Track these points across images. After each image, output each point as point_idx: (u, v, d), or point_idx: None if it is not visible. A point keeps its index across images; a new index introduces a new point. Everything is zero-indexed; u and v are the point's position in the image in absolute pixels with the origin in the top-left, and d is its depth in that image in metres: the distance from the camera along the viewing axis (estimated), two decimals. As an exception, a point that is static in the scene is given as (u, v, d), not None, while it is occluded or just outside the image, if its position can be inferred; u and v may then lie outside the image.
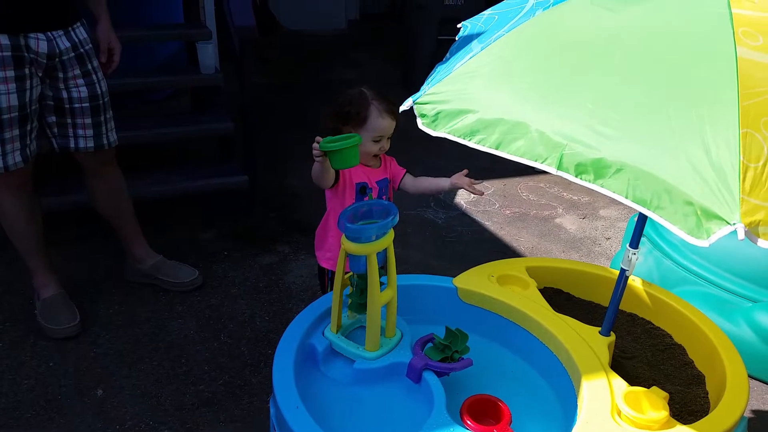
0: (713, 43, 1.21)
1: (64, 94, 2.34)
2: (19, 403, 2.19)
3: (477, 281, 1.77)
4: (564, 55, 1.36)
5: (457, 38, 1.69)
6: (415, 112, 1.44)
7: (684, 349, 1.73)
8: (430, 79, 1.51)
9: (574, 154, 1.19)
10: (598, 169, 1.17)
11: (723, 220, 1.06)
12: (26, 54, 2.20)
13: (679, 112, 1.16)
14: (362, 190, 2.00)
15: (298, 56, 6.78)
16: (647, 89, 1.22)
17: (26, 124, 2.28)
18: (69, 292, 2.63)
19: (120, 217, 2.73)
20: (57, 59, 2.28)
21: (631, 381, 1.49)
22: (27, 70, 2.22)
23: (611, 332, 1.60)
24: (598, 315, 1.80)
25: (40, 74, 2.28)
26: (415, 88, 1.51)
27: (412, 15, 5.66)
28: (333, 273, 1.82)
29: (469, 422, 1.36)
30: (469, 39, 1.57)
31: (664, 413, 1.32)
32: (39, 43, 2.21)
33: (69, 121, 2.39)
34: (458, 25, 1.76)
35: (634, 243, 1.52)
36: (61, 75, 2.31)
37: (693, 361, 1.69)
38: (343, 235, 1.46)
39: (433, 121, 1.40)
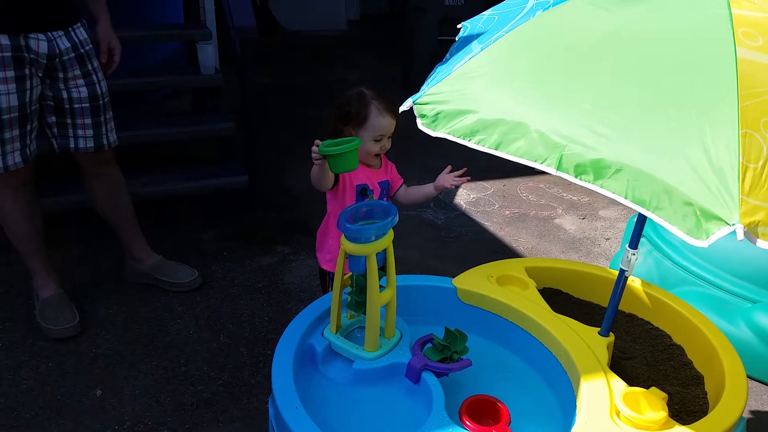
0: (713, 43, 1.21)
1: (64, 95, 2.35)
2: (18, 404, 2.19)
3: (476, 282, 1.77)
4: (564, 56, 1.36)
5: (457, 39, 1.69)
6: (415, 112, 1.44)
7: (683, 349, 1.73)
8: (429, 80, 1.51)
9: (574, 155, 1.19)
10: (598, 169, 1.17)
11: (722, 220, 1.06)
12: (26, 54, 2.20)
13: (679, 113, 1.16)
14: (363, 192, 2.00)
15: (298, 57, 6.78)
16: (647, 90, 1.22)
17: (26, 125, 2.28)
18: (68, 292, 2.63)
19: (120, 218, 2.73)
20: (57, 59, 2.28)
21: (630, 381, 1.49)
22: (27, 71, 2.22)
23: (610, 333, 1.60)
24: (598, 315, 1.80)
25: (40, 74, 2.28)
26: (415, 88, 1.51)
27: (412, 15, 5.67)
28: (334, 275, 1.82)
29: (468, 423, 1.36)
30: (469, 39, 1.57)
31: (663, 414, 1.32)
32: (39, 43, 2.22)
33: (69, 121, 2.39)
34: (458, 26, 1.76)
35: (634, 243, 1.52)
36: (61, 75, 2.31)
37: (692, 362, 1.69)
38: (343, 235, 1.46)
39: (433, 122, 1.40)
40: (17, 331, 2.53)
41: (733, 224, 1.05)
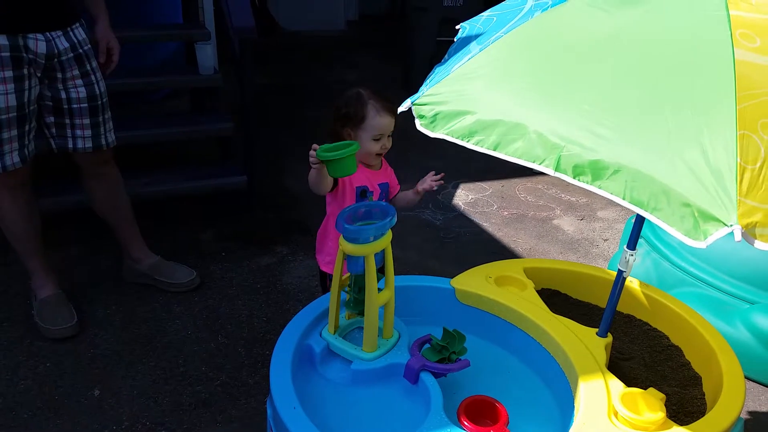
0: (711, 44, 1.21)
1: (63, 95, 2.34)
2: (15, 404, 2.19)
3: (475, 282, 1.77)
4: (562, 57, 1.36)
5: (455, 39, 1.69)
6: (413, 113, 1.44)
7: (681, 350, 1.73)
8: (428, 80, 1.51)
9: (572, 156, 1.20)
10: (596, 170, 1.17)
11: (720, 221, 1.06)
12: (25, 54, 2.20)
13: (677, 114, 1.16)
14: (362, 193, 1.99)
15: (297, 57, 6.78)
16: (645, 91, 1.22)
17: (24, 125, 2.28)
18: (66, 292, 2.63)
19: (118, 218, 2.73)
20: (56, 59, 2.28)
21: (628, 382, 1.49)
22: (25, 71, 2.22)
23: (608, 333, 1.60)
24: (596, 316, 1.80)
25: (39, 74, 2.28)
26: (414, 88, 1.52)
27: (411, 16, 5.67)
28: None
29: (466, 423, 1.36)
30: (468, 40, 1.58)
31: (660, 414, 1.32)
32: (38, 43, 2.21)
33: (67, 121, 2.39)
34: (457, 27, 1.76)
35: (632, 244, 1.53)
36: (59, 75, 2.31)
37: (690, 363, 1.69)
38: (341, 236, 1.46)
39: (432, 122, 1.40)
40: (15, 331, 2.53)
41: (731, 225, 1.05)
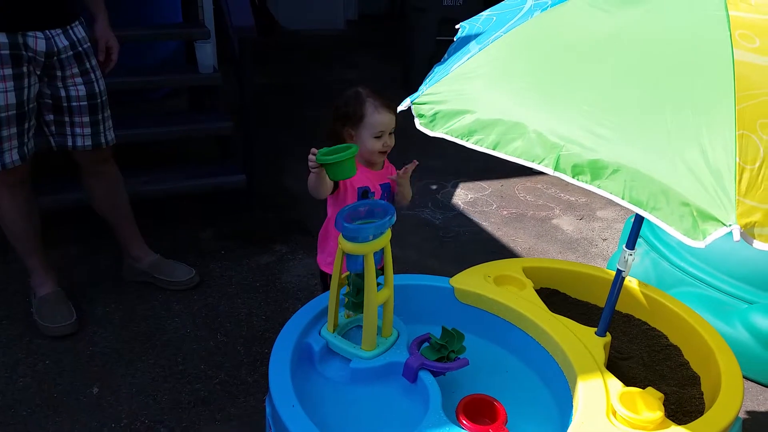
0: (710, 45, 1.21)
1: (62, 93, 2.34)
2: (14, 401, 2.19)
3: (474, 281, 1.77)
4: (562, 57, 1.37)
5: (455, 39, 1.69)
6: (413, 112, 1.44)
7: (679, 350, 1.73)
8: (428, 80, 1.51)
9: (571, 155, 1.20)
10: (595, 170, 1.17)
11: (719, 221, 1.06)
12: (24, 52, 2.20)
13: (676, 114, 1.17)
14: (364, 194, 1.99)
15: (297, 56, 6.78)
16: (644, 91, 1.23)
17: (24, 123, 2.28)
18: (66, 290, 2.63)
19: (117, 216, 2.73)
20: (55, 57, 2.28)
21: (627, 381, 1.49)
22: (25, 69, 2.22)
23: (607, 333, 1.60)
24: (594, 316, 1.80)
25: (38, 72, 2.28)
26: (413, 88, 1.52)
27: (410, 15, 5.67)
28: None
29: (464, 422, 1.37)
30: (468, 40, 1.58)
31: (659, 414, 1.32)
32: (37, 41, 2.21)
33: (67, 119, 2.39)
34: (457, 26, 1.76)
35: (631, 244, 1.53)
36: (59, 73, 2.31)
37: (688, 362, 1.69)
38: (341, 234, 1.46)
39: (431, 121, 1.40)
40: (14, 329, 2.53)
41: (730, 225, 1.05)
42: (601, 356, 1.53)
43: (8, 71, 2.18)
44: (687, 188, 1.10)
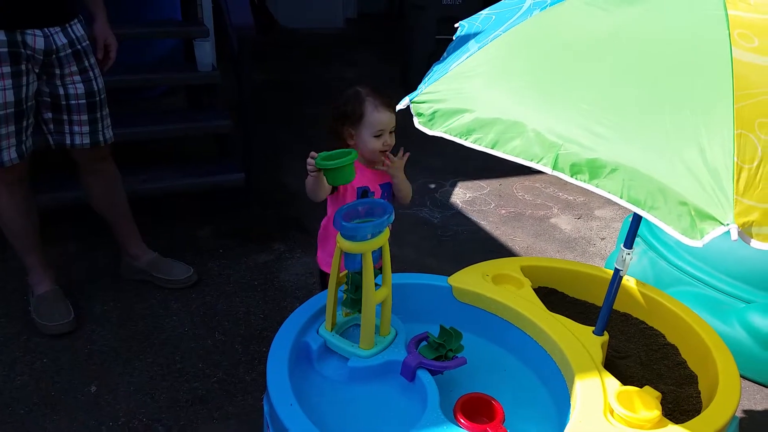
0: (709, 44, 1.22)
1: (61, 91, 2.34)
2: (12, 400, 2.19)
3: (472, 280, 1.77)
4: (560, 56, 1.37)
5: (454, 38, 1.69)
6: (412, 110, 1.44)
7: (677, 349, 1.73)
8: (427, 78, 1.51)
9: (570, 154, 1.20)
10: (593, 169, 1.17)
11: (717, 220, 1.06)
12: (23, 50, 2.20)
13: (674, 113, 1.17)
14: (364, 194, 1.98)
15: (295, 54, 6.78)
16: (643, 90, 1.23)
17: (22, 121, 2.28)
18: (64, 288, 2.63)
19: (115, 214, 2.73)
20: (54, 56, 2.28)
21: (624, 380, 1.49)
22: (23, 67, 2.22)
23: (605, 332, 1.61)
24: (592, 315, 1.80)
25: (37, 70, 2.27)
26: (412, 86, 1.52)
27: (410, 14, 5.67)
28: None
29: (462, 420, 1.37)
30: (467, 38, 1.58)
31: (656, 412, 1.32)
32: (36, 39, 2.21)
33: (65, 117, 2.39)
34: (456, 25, 1.76)
35: (629, 243, 1.53)
36: (57, 71, 2.31)
37: (686, 361, 1.69)
38: (339, 233, 1.46)
39: (430, 120, 1.40)
40: (12, 327, 2.53)
41: (728, 224, 1.05)
42: (599, 355, 1.53)
43: (6, 69, 2.17)
44: (685, 187, 1.10)
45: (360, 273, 1.49)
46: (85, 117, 2.41)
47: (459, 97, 1.39)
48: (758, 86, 1.17)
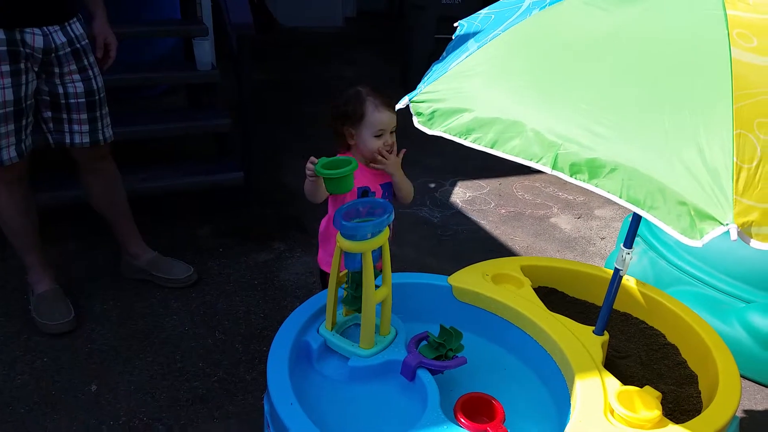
0: (708, 44, 1.22)
1: (60, 90, 2.34)
2: (12, 399, 2.19)
3: (472, 280, 1.77)
4: (560, 55, 1.37)
5: (453, 37, 1.69)
6: (411, 110, 1.44)
7: (677, 348, 1.73)
8: (426, 78, 1.51)
9: (569, 154, 1.20)
10: (593, 168, 1.17)
11: (716, 220, 1.06)
12: (22, 49, 2.19)
13: (674, 113, 1.17)
14: (364, 194, 1.98)
15: (295, 53, 6.77)
16: (642, 90, 1.23)
17: (21, 119, 2.28)
18: (64, 287, 2.63)
19: (115, 213, 2.73)
20: (53, 54, 2.27)
21: (625, 380, 1.49)
22: (22, 65, 2.22)
23: (605, 331, 1.61)
24: (592, 314, 1.81)
25: (36, 69, 2.27)
26: (412, 86, 1.52)
27: (409, 13, 5.66)
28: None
29: (462, 420, 1.37)
30: (466, 38, 1.58)
31: (656, 412, 1.33)
32: (35, 38, 2.21)
33: (65, 116, 2.39)
34: (455, 24, 1.76)
35: (629, 243, 1.53)
36: (57, 70, 2.31)
37: (686, 361, 1.69)
38: (339, 232, 1.46)
39: (429, 120, 1.40)
40: (12, 326, 2.53)
41: (727, 224, 1.05)
42: (599, 355, 1.53)
43: (6, 68, 2.17)
44: (684, 187, 1.10)
45: (360, 273, 1.49)
46: (84, 116, 2.40)
47: (458, 96, 1.39)
48: (757, 86, 1.17)
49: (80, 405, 2.18)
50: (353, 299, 1.61)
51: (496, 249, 3.28)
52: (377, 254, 1.52)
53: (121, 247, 2.82)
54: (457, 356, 1.50)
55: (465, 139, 1.33)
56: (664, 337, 1.77)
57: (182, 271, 2.82)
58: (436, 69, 1.53)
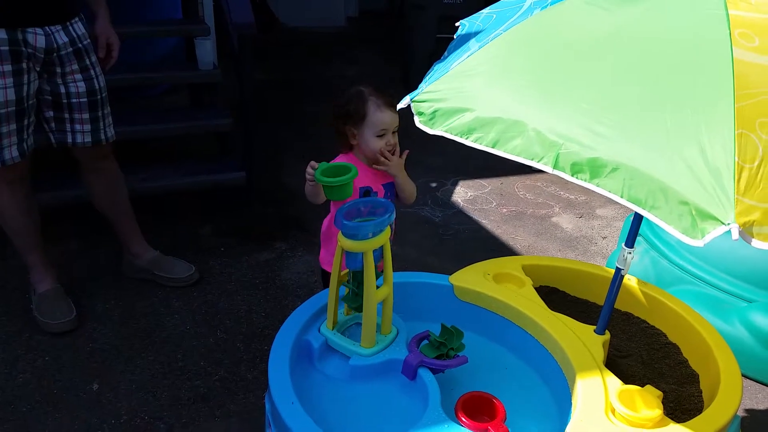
0: (709, 44, 1.22)
1: (62, 89, 2.34)
2: (14, 397, 2.19)
3: (473, 279, 1.78)
4: (562, 55, 1.37)
5: (455, 36, 1.69)
6: (413, 109, 1.44)
7: (678, 348, 1.73)
8: (427, 77, 1.51)
9: (571, 153, 1.20)
10: (594, 168, 1.17)
11: (717, 220, 1.07)
12: (24, 48, 2.20)
13: (675, 113, 1.17)
14: (366, 194, 1.98)
15: (296, 53, 6.77)
16: (643, 89, 1.23)
17: (23, 119, 2.28)
18: (65, 286, 2.63)
19: (117, 212, 2.73)
20: (55, 54, 2.28)
21: (626, 379, 1.50)
22: (24, 65, 2.22)
23: (606, 331, 1.61)
24: (594, 314, 1.80)
25: (38, 69, 2.28)
26: (413, 85, 1.52)
27: (411, 13, 5.66)
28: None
29: (463, 419, 1.37)
30: (467, 37, 1.58)
31: (658, 411, 1.33)
32: (37, 37, 2.21)
33: (66, 116, 2.39)
34: (456, 24, 1.76)
35: (630, 242, 1.53)
36: (59, 70, 2.31)
37: (687, 360, 1.69)
38: (340, 232, 1.46)
39: (430, 119, 1.40)
40: (14, 325, 2.53)
41: (729, 224, 1.05)
42: (600, 354, 1.53)
43: (8, 67, 2.18)
44: (686, 187, 1.10)
45: (362, 272, 1.49)
46: (86, 115, 2.41)
47: (460, 96, 1.39)
48: (759, 86, 1.17)
49: (82, 404, 2.18)
50: (355, 297, 1.61)
51: (498, 248, 3.28)
52: (378, 254, 1.52)
53: (123, 247, 2.82)
54: (458, 355, 1.51)
55: (466, 138, 1.33)
56: (665, 336, 1.77)
57: (184, 270, 2.82)
58: (437, 68, 1.53)
